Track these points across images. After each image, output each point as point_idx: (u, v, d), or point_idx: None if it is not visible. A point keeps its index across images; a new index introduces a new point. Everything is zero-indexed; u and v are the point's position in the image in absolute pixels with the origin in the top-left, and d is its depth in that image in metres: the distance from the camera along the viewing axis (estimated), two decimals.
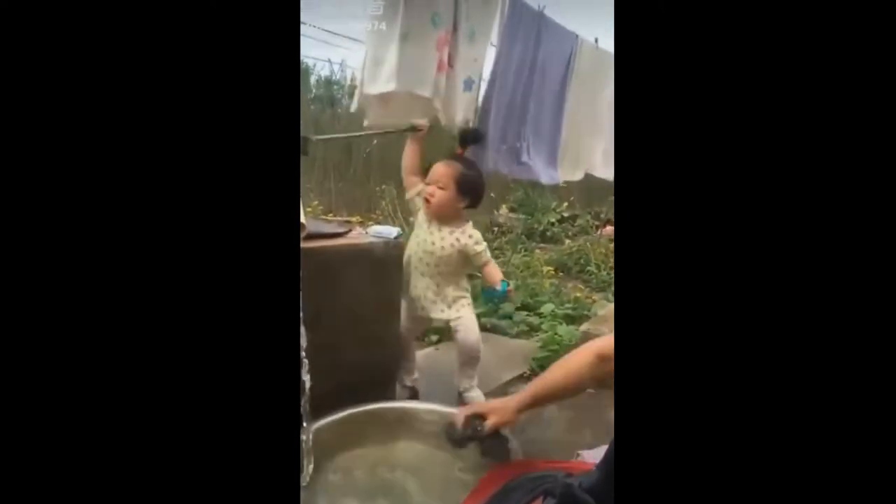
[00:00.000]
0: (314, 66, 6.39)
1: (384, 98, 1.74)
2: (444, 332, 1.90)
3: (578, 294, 3.21)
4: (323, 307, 1.43)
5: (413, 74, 1.71)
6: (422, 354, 2.03)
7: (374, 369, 1.66)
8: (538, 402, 1.23)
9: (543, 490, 0.93)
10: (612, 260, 3.66)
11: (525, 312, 2.84)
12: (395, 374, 1.81)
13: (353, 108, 1.85)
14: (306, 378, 1.10)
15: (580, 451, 1.29)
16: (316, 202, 4.41)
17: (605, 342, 1.16)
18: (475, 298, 2.02)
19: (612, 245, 3.88)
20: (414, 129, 1.83)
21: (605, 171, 2.71)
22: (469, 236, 1.82)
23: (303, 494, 1.14)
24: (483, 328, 1.94)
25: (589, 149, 2.54)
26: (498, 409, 1.20)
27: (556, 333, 2.33)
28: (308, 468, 1.14)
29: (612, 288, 3.16)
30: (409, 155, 1.89)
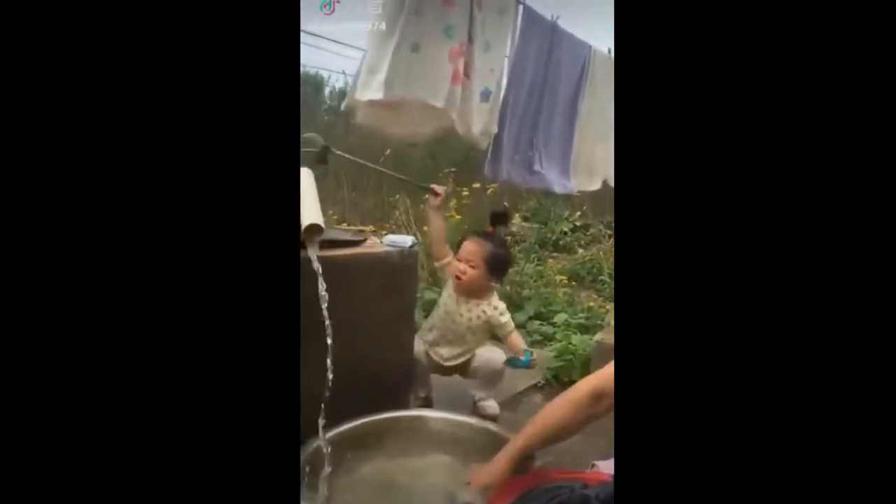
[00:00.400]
0: (328, 77, 6.43)
1: (391, 107, 1.75)
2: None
3: (592, 303, 3.19)
4: (338, 315, 1.44)
5: (423, 85, 1.72)
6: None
7: (388, 377, 1.66)
8: (528, 452, 1.15)
9: (560, 501, 0.93)
10: None
11: (538, 322, 2.83)
12: (409, 381, 1.81)
13: (343, 108, 1.86)
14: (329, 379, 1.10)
15: (595, 462, 1.29)
16: (330, 211, 4.43)
17: (599, 379, 1.09)
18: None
19: None
20: (432, 191, 1.84)
21: None
22: (494, 308, 1.88)
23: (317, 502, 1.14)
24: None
25: (603, 158, 2.54)
26: (483, 474, 1.13)
27: (570, 343, 2.31)
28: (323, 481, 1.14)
29: None
30: (435, 225, 1.92)
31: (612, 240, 4.49)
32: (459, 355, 1.90)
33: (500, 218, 1.98)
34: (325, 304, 1.20)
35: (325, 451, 1.22)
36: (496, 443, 1.35)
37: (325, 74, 6.39)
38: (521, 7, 2.05)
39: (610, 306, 3.14)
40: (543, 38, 2.14)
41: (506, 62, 2.04)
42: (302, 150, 1.35)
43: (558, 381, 2.20)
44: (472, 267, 1.82)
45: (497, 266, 1.85)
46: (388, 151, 4.38)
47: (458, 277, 1.84)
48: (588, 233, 4.98)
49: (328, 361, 1.22)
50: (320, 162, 1.47)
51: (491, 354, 1.86)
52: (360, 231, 1.92)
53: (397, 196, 4.47)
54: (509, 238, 4.64)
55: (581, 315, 2.88)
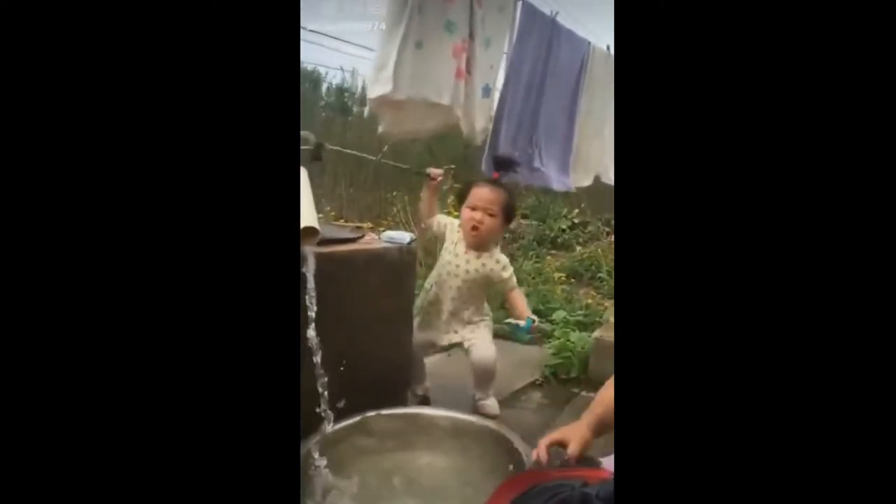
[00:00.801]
0: (326, 74, 6.43)
1: (397, 104, 1.74)
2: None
3: (590, 301, 3.19)
4: (336, 312, 1.43)
5: (428, 82, 1.71)
6: (433, 361, 2.03)
7: (387, 374, 1.65)
8: (604, 421, 1.16)
9: (560, 500, 0.92)
10: None
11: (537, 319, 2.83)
12: (407, 378, 1.80)
13: (367, 114, 1.86)
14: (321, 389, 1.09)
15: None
16: (328, 208, 4.42)
17: None
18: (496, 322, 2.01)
19: None
20: (428, 176, 1.82)
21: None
22: (496, 261, 1.80)
23: (314, 500, 1.14)
24: (495, 335, 1.93)
25: (598, 154, 2.54)
26: (575, 435, 1.15)
27: (568, 340, 2.31)
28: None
29: None
30: (427, 203, 1.87)
31: (610, 237, 4.50)
32: (447, 322, 1.83)
33: (505, 163, 1.88)
34: (312, 303, 1.18)
35: (318, 449, 1.22)
36: (495, 440, 1.35)
37: (322, 71, 6.37)
38: (520, 3, 2.04)
39: (608, 303, 3.14)
40: (543, 34, 2.13)
41: (504, 58, 2.04)
42: None
43: (557, 378, 2.19)
44: (491, 215, 1.70)
45: (511, 212, 1.78)
46: (386, 148, 4.36)
47: (474, 227, 1.72)
48: (587, 230, 4.98)
49: (316, 360, 1.20)
50: (314, 159, 1.46)
51: (484, 352, 1.81)
52: (358, 228, 1.91)
53: (395, 192, 4.47)
54: (508, 235, 4.64)
55: (579, 312, 2.88)
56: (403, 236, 1.65)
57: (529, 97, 2.14)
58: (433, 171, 1.82)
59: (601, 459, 1.28)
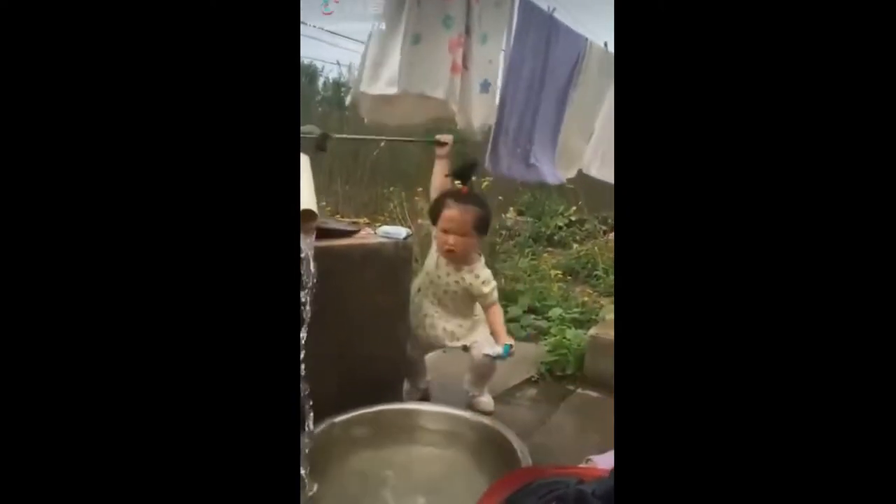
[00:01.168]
0: (322, 68, 6.40)
1: (388, 99, 1.73)
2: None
3: (586, 298, 3.19)
4: (332, 306, 1.42)
5: (424, 76, 1.70)
6: (428, 358, 2.02)
7: (383, 369, 1.65)
8: None
9: (556, 497, 0.91)
10: None
11: (533, 316, 2.83)
12: (403, 374, 1.80)
13: (348, 103, 1.85)
14: (305, 386, 1.08)
15: (590, 457, 1.28)
16: (324, 203, 4.41)
17: None
18: None
19: None
20: (438, 143, 1.81)
21: (603, 171, 2.70)
22: (476, 276, 1.79)
23: (310, 496, 1.13)
24: None
25: (582, 147, 2.53)
26: None
27: (564, 337, 2.31)
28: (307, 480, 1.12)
29: None
30: (439, 173, 1.85)
31: (607, 235, 4.50)
32: (444, 328, 1.83)
33: (470, 169, 1.87)
34: (309, 292, 1.16)
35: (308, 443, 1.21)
36: (490, 437, 1.35)
37: (318, 65, 6.35)
38: None
39: (604, 301, 3.15)
40: (541, 29, 2.12)
41: (503, 54, 2.02)
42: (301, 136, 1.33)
43: (552, 374, 2.19)
44: (464, 235, 1.74)
45: (484, 225, 1.78)
46: (383, 143, 4.35)
47: (449, 251, 1.75)
48: (583, 228, 4.97)
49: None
50: (319, 149, 1.45)
51: (483, 349, 1.81)
52: (354, 223, 1.91)
53: (392, 188, 4.46)
54: (504, 232, 4.64)
55: (576, 310, 2.88)
56: (399, 231, 1.64)
57: (530, 94, 2.13)
58: (442, 137, 1.82)
59: (594, 457, 1.27)
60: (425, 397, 1.89)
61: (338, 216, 3.98)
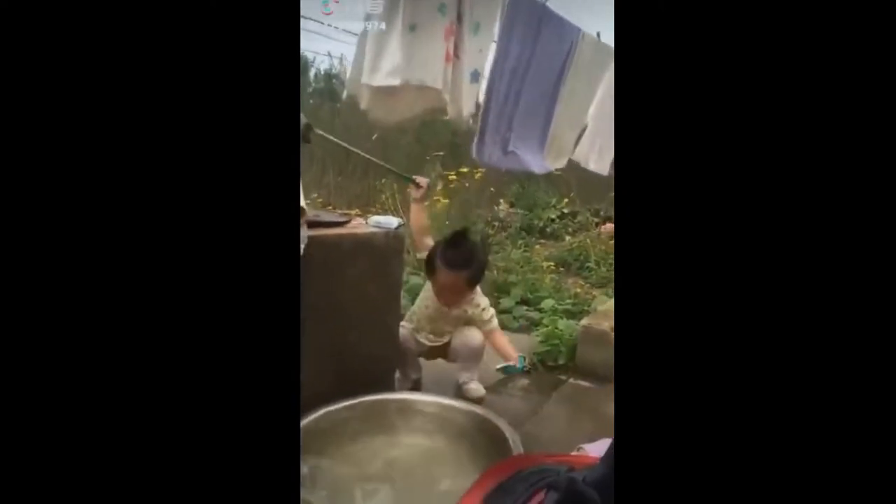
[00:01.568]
0: (314, 59, 6.35)
1: (390, 91, 1.72)
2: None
3: (578, 290, 3.19)
4: (323, 296, 1.41)
5: (422, 65, 1.69)
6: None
7: (374, 359, 1.64)
8: None
9: (546, 484, 0.91)
10: (611, 257, 3.65)
11: (525, 307, 2.83)
12: (394, 364, 1.80)
13: (345, 95, 1.84)
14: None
15: (582, 445, 1.28)
16: (315, 195, 4.39)
17: None
18: None
19: (611, 242, 3.87)
20: (415, 183, 1.80)
21: (600, 164, 2.70)
22: (476, 305, 1.87)
23: (302, 485, 1.13)
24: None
25: (574, 137, 2.54)
26: None
27: (556, 328, 2.32)
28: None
29: (612, 284, 3.16)
30: (416, 217, 1.88)
31: (599, 227, 4.50)
32: (439, 339, 1.91)
33: (458, 240, 1.83)
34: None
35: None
36: (482, 426, 1.35)
37: (310, 56, 6.26)
38: None
39: (596, 292, 3.16)
40: (531, 18, 2.11)
41: (493, 44, 2.01)
42: None
43: (544, 365, 2.20)
44: (456, 294, 1.81)
45: (478, 277, 1.84)
46: (375, 136, 4.33)
47: (446, 304, 1.83)
48: (576, 220, 4.98)
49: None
50: (303, 140, 1.44)
51: (468, 333, 1.87)
52: (345, 214, 1.90)
53: (384, 180, 4.44)
54: (496, 224, 4.64)
55: (568, 301, 2.88)
56: (391, 221, 1.63)
57: (513, 81, 2.11)
58: (419, 179, 1.82)
59: (585, 445, 1.28)
60: (417, 387, 1.89)
61: (329, 207, 3.96)
